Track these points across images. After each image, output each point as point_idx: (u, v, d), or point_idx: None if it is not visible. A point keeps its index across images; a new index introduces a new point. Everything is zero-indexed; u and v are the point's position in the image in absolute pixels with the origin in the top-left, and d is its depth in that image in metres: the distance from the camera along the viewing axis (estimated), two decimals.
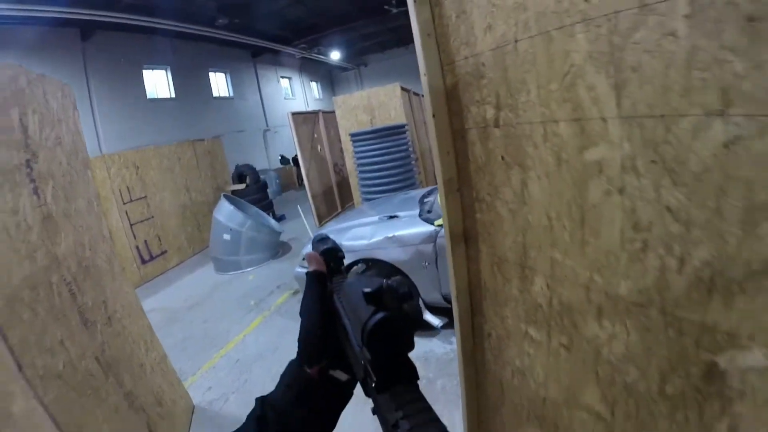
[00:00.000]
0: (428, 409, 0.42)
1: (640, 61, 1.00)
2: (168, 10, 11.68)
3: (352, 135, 7.48)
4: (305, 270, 0.97)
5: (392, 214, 4.66)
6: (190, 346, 5.13)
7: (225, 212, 7.48)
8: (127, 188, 7.91)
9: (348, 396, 0.66)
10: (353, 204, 8.80)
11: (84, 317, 2.69)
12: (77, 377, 2.43)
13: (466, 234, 1.83)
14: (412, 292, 0.47)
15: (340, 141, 9.22)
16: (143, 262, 7.98)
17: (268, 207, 10.44)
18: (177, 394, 3.74)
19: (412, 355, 0.48)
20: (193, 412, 3.86)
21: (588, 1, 1.07)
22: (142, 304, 3.80)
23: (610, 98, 1.09)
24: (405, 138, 7.41)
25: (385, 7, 15.82)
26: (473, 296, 1.91)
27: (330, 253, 0.75)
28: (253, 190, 10.50)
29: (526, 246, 1.51)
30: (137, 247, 7.89)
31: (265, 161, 18.45)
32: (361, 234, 4.44)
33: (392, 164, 7.15)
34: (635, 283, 1.16)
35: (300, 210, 8.46)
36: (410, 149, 7.59)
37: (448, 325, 3.93)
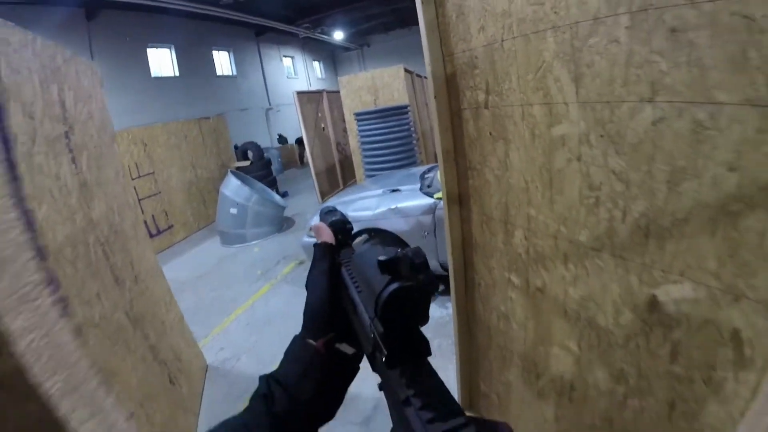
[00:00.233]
0: (442, 385, 0.41)
1: (592, 60, 1.31)
2: None
3: (357, 114, 7.67)
4: (313, 240, 0.87)
5: (395, 188, 4.92)
6: (201, 312, 5.30)
7: (232, 187, 7.67)
8: (136, 164, 8.05)
9: (354, 371, 0.65)
10: (356, 181, 8.96)
11: (115, 275, 2.92)
12: (110, 328, 2.66)
13: (460, 197, 2.15)
14: (427, 263, 0.45)
15: (343, 120, 9.34)
16: (151, 236, 8.11)
17: (272, 183, 10.59)
18: (192, 353, 3.97)
19: None
20: (206, 371, 4.08)
21: (557, 13, 1.39)
22: None
23: (570, 88, 1.40)
24: (407, 118, 7.61)
25: None
26: (466, 251, 2.23)
27: (338, 225, 0.74)
28: (258, 167, 10.62)
29: (508, 205, 1.82)
30: (145, 222, 8.02)
31: (268, 139, 18.43)
32: (366, 205, 4.69)
33: (395, 143, 7.35)
34: (591, 232, 1.47)
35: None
36: (412, 129, 7.79)
37: (445, 291, 4.16)
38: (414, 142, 7.83)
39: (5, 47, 1.89)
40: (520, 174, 1.74)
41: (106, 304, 2.71)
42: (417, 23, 1.97)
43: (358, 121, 7.65)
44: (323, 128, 10.16)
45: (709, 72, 1.05)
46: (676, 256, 1.24)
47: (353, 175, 9.51)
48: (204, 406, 3.56)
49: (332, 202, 5.56)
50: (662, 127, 1.18)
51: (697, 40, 1.06)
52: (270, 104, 20.17)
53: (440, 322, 4.03)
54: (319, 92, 10.38)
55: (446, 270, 4.17)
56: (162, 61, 14.92)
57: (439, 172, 2.22)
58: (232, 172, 8.22)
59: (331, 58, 27.07)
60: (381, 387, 0.49)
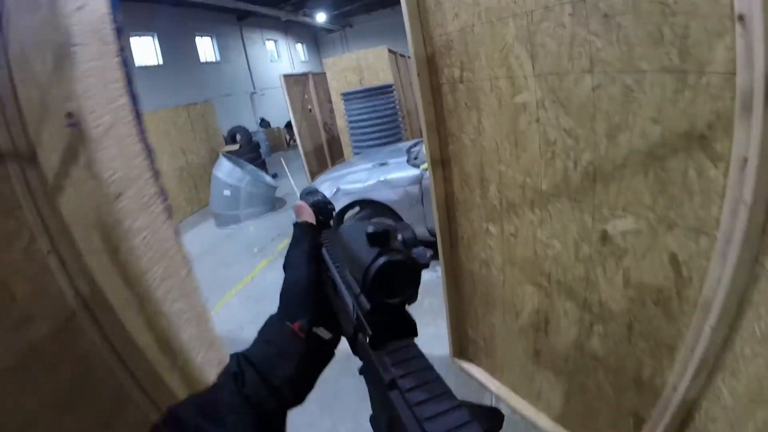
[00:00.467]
0: (430, 368, 0.38)
1: (544, 41, 1.62)
2: None
3: (344, 94, 7.86)
4: None
5: (383, 162, 5.16)
6: (203, 289, 5.28)
7: (224, 169, 7.83)
8: None
9: (329, 356, 0.63)
10: (344, 160, 9.12)
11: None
12: None
13: (443, 160, 2.45)
14: (417, 239, 0.44)
15: (329, 101, 9.49)
16: None
17: (261, 166, 10.74)
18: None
19: None
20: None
21: (516, 2, 1.69)
22: None
23: (528, 63, 1.71)
24: (392, 97, 7.83)
25: None
26: (449, 207, 2.54)
27: (320, 205, 0.72)
28: (247, 150, 10.79)
29: (483, 164, 2.13)
30: None
31: (254, 123, 18.31)
32: (357, 179, 4.94)
33: (381, 121, 7.58)
34: (551, 180, 1.78)
35: (284, 162, 8.87)
36: (397, 107, 8.01)
37: (434, 256, 4.43)
38: (400, 119, 8.05)
39: None
40: (491, 137, 2.04)
41: None
42: (399, 3, 2.24)
43: (346, 101, 7.83)
44: (310, 109, 10.26)
45: (634, 47, 1.34)
46: (618, 195, 1.54)
47: (341, 155, 9.68)
48: None
49: (323, 177, 5.76)
50: (600, 92, 1.48)
51: (623, 22, 1.35)
52: (254, 88, 20.07)
53: (430, 284, 4.25)
54: (305, 75, 10.47)
55: (434, 236, 4.44)
56: (145, 50, 14.81)
57: (424, 144, 2.50)
58: (223, 155, 8.36)
59: (314, 40, 26.86)
60: (361, 371, 0.47)
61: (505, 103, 1.89)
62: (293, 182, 8.06)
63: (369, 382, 0.45)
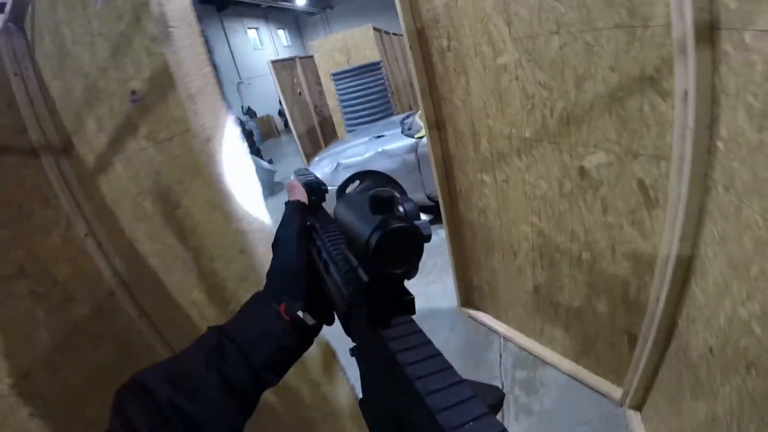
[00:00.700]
0: (429, 343, 0.36)
1: (517, 9, 1.89)
2: None
3: (334, 74, 7.99)
4: None
5: (379, 134, 5.37)
6: None
7: None
8: None
9: (308, 343, 0.61)
10: (338, 139, 9.21)
11: None
12: None
13: (437, 122, 2.74)
14: (419, 212, 0.43)
15: (318, 83, 9.61)
16: None
17: (256, 153, 11.00)
18: None
19: None
20: None
21: None
22: None
23: (505, 30, 1.98)
24: (381, 73, 7.99)
25: None
26: (446, 164, 2.83)
27: (313, 185, 0.70)
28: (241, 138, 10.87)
29: (473, 121, 2.42)
30: None
31: (241, 114, 18.27)
32: (356, 152, 5.17)
33: (372, 97, 7.76)
34: (532, 128, 2.06)
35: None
36: (386, 83, 8.17)
37: (436, 220, 4.47)
38: (389, 95, 8.21)
39: None
40: (478, 96, 2.32)
41: None
42: None
43: (336, 80, 7.96)
44: (299, 93, 10.38)
45: (591, 10, 1.62)
46: (589, 134, 1.82)
47: (334, 135, 9.79)
48: None
49: (323, 154, 5.92)
50: (566, 50, 1.76)
51: None
52: (240, 78, 19.91)
53: (432, 246, 4.39)
54: (291, 59, 10.52)
55: (433, 201, 4.71)
56: None
57: (418, 112, 2.74)
58: None
59: (296, 24, 26.51)
60: (353, 352, 0.46)
61: (489, 66, 2.16)
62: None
63: (362, 363, 0.45)
